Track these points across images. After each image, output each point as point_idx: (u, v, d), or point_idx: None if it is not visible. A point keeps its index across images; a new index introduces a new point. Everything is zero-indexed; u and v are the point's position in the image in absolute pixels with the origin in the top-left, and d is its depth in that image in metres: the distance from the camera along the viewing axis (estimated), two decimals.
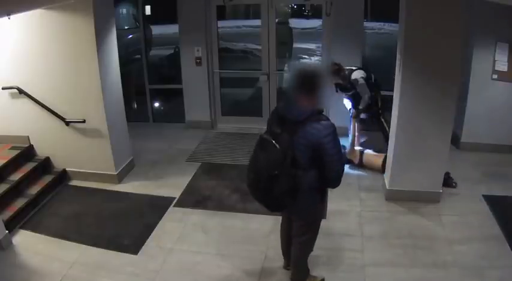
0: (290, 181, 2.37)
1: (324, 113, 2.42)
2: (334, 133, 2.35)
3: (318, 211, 2.74)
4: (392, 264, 3.27)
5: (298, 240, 2.79)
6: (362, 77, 4.61)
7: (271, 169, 2.36)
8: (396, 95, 3.91)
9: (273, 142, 2.36)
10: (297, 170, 2.38)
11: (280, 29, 6.08)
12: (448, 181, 4.27)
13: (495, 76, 4.84)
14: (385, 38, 5.02)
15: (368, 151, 4.95)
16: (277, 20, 5.83)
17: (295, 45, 7.35)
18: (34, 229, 3.81)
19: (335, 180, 2.50)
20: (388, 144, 4.87)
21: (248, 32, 7.68)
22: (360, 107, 4.72)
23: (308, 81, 2.34)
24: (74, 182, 4.64)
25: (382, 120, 4.93)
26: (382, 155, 4.67)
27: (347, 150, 4.94)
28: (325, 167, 2.40)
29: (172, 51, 6.97)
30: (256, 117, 6.23)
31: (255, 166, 2.48)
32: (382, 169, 4.61)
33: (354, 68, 4.76)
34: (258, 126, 6.16)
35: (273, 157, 2.35)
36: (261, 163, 2.43)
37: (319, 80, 2.36)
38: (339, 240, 3.59)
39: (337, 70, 4.64)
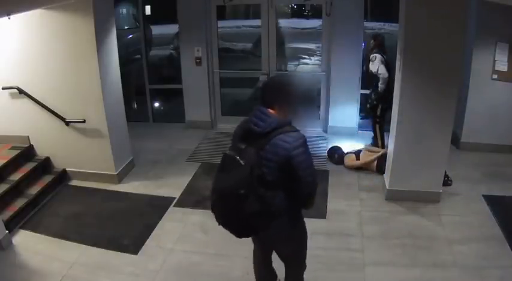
0: (260, 201, 2.15)
1: (293, 125, 2.22)
2: (305, 145, 2.16)
3: (299, 232, 2.44)
4: (392, 264, 3.27)
5: (289, 272, 2.59)
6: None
7: (236, 187, 2.11)
8: (396, 95, 3.91)
9: (237, 158, 2.14)
10: (266, 191, 2.16)
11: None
12: (444, 180, 4.27)
13: (495, 76, 4.84)
14: (385, 38, 5.02)
15: (366, 148, 4.95)
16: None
17: (296, 45, 7.34)
18: (34, 229, 3.81)
19: (309, 199, 2.26)
20: (377, 145, 4.93)
21: (248, 32, 7.66)
22: (380, 83, 4.70)
23: (276, 90, 2.23)
24: (74, 182, 4.64)
25: (377, 126, 4.97)
26: (378, 153, 4.67)
27: (347, 154, 4.93)
28: (297, 185, 2.17)
29: (172, 51, 6.98)
30: None
31: (219, 186, 2.23)
32: (376, 169, 4.62)
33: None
34: None
35: (238, 175, 2.12)
36: (226, 182, 2.18)
37: (287, 89, 2.26)
38: (339, 240, 3.59)
39: (382, 40, 4.77)
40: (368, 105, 5.04)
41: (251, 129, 2.18)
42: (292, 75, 2.42)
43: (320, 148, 5.42)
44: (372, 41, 4.86)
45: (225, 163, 2.22)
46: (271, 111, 2.18)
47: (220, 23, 6.12)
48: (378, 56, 4.66)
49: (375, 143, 5.11)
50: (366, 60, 4.99)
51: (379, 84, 4.69)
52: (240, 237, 2.37)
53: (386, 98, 4.66)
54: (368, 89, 5.13)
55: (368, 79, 5.02)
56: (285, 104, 2.20)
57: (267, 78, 2.72)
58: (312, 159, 2.22)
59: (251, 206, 2.14)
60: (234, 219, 2.24)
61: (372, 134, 5.21)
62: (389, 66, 4.61)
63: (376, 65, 4.65)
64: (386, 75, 4.61)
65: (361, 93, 5.64)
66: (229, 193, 2.15)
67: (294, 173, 2.13)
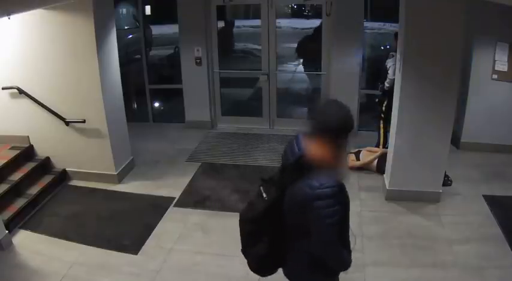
0: (269, 245, 1.86)
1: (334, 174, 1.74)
2: (337, 197, 1.67)
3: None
4: (392, 264, 3.27)
5: None
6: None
7: (250, 221, 1.88)
8: (396, 95, 3.91)
9: (261, 188, 1.86)
10: (281, 235, 1.86)
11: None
12: (443, 180, 4.27)
13: (495, 76, 4.84)
14: (385, 38, 5.02)
15: (366, 149, 4.95)
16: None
17: (296, 45, 7.32)
18: (34, 229, 3.81)
19: (332, 260, 1.82)
20: (381, 145, 4.90)
21: (249, 32, 7.66)
22: (386, 82, 4.68)
23: (330, 119, 1.71)
24: (74, 182, 4.64)
25: (381, 124, 4.95)
26: (377, 152, 4.67)
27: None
28: (311, 243, 1.77)
29: (172, 51, 6.97)
30: (256, 118, 6.24)
31: (242, 212, 1.96)
32: (376, 169, 4.62)
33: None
34: (258, 126, 6.19)
35: (256, 208, 1.85)
36: (246, 211, 1.93)
37: (345, 122, 1.72)
38: None
39: None
40: (376, 100, 5.03)
41: (285, 159, 1.82)
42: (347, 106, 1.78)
43: None
44: (394, 39, 4.76)
45: (258, 190, 1.91)
46: (309, 143, 1.74)
47: (220, 23, 6.11)
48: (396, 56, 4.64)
49: (377, 141, 5.08)
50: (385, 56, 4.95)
51: (386, 83, 4.68)
52: (256, 273, 2.07)
53: (392, 94, 4.66)
54: (376, 86, 5.08)
55: (382, 73, 4.95)
56: (332, 141, 1.71)
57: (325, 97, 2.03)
58: (343, 220, 1.75)
59: (260, 247, 1.89)
60: (244, 252, 2.01)
61: (376, 136, 5.19)
62: None
63: (389, 64, 4.63)
64: (393, 77, 4.60)
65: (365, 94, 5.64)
66: (244, 223, 1.94)
67: (310, 228, 1.73)
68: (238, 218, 1.95)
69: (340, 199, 1.70)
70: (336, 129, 1.70)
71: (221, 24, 6.24)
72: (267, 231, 1.86)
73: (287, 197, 1.79)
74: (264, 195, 1.83)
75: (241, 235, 1.97)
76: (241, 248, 2.01)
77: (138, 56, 6.46)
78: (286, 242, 1.89)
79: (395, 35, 4.66)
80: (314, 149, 1.71)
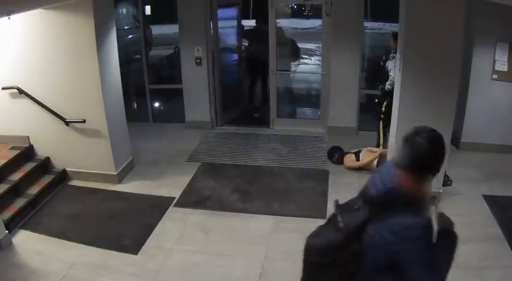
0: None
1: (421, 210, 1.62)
2: (423, 238, 1.54)
3: None
4: None
5: None
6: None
7: (322, 252, 1.66)
8: (396, 95, 3.91)
9: (338, 217, 1.68)
10: (358, 272, 1.64)
11: None
12: (443, 180, 4.27)
13: (495, 76, 4.84)
14: (385, 38, 5.02)
15: (366, 149, 4.95)
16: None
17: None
18: (34, 229, 3.81)
19: None
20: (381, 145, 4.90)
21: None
22: (391, 75, 4.66)
23: (428, 151, 1.58)
24: (74, 182, 4.64)
25: (381, 125, 4.95)
26: (377, 152, 4.67)
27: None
28: None
29: (172, 51, 6.97)
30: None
31: (309, 239, 1.77)
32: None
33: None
34: (258, 126, 6.19)
35: (330, 238, 1.65)
36: (316, 239, 1.73)
37: (441, 153, 1.62)
38: None
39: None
40: (376, 100, 5.03)
41: (368, 190, 1.70)
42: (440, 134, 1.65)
43: (320, 148, 5.42)
44: (392, 40, 4.70)
45: (331, 216, 1.76)
46: (400, 175, 1.62)
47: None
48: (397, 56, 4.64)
49: (376, 141, 5.08)
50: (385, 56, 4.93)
51: (387, 84, 4.68)
52: None
53: (392, 94, 4.66)
54: (376, 86, 5.09)
55: (381, 74, 4.96)
56: (426, 174, 1.61)
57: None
58: (435, 263, 1.57)
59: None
60: None
61: (376, 136, 5.19)
62: None
63: (390, 65, 4.63)
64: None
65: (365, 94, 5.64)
66: (313, 253, 1.72)
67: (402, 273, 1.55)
68: (305, 247, 1.75)
69: (426, 239, 1.57)
70: (432, 162, 1.59)
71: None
72: (340, 264, 1.64)
73: (373, 231, 1.61)
74: (342, 224, 1.64)
75: (305, 266, 1.76)
76: (301, 276, 1.79)
77: (138, 56, 6.46)
78: (357, 276, 1.68)
79: (393, 35, 4.68)
80: (406, 182, 1.60)
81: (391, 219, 1.55)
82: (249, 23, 7.72)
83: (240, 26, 7.59)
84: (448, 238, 1.67)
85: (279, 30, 6.10)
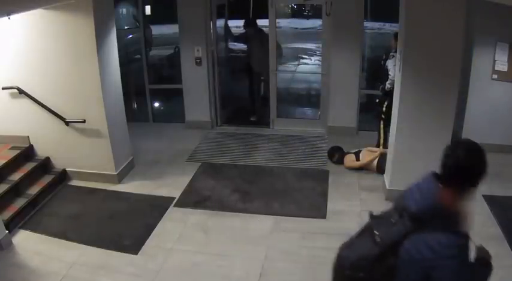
0: None
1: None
2: (462, 256, 1.53)
3: None
4: None
5: None
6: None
7: (356, 265, 1.63)
8: (396, 95, 3.91)
9: (374, 230, 1.63)
10: None
11: None
12: None
13: (495, 76, 4.84)
14: (385, 38, 5.03)
15: (366, 149, 4.94)
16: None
17: (296, 45, 7.35)
18: (34, 229, 3.81)
19: None
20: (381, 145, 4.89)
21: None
22: (388, 83, 4.67)
23: (470, 171, 1.56)
24: (74, 182, 4.64)
25: (381, 124, 4.94)
26: (377, 152, 4.67)
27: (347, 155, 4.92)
28: None
29: (172, 51, 6.98)
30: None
31: (341, 251, 1.75)
32: (377, 169, 4.62)
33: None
34: (258, 126, 6.19)
35: (365, 251, 1.62)
36: (349, 251, 1.71)
37: (483, 174, 1.58)
38: (339, 240, 3.56)
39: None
40: (377, 100, 5.03)
41: (404, 204, 1.65)
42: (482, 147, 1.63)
43: (320, 148, 5.42)
44: (394, 39, 4.70)
45: (365, 228, 1.73)
46: (440, 190, 1.59)
47: (220, 23, 6.13)
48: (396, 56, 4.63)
49: (377, 141, 5.08)
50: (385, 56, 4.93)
51: (387, 84, 4.68)
52: None
53: (392, 94, 4.66)
54: (376, 86, 5.09)
55: (382, 74, 4.96)
56: (467, 189, 1.61)
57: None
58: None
59: None
60: None
61: (376, 136, 5.19)
62: None
63: (390, 65, 4.63)
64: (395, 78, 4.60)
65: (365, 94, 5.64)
66: (345, 266, 1.69)
67: None
68: (336, 257, 1.72)
69: (464, 257, 1.56)
70: (472, 175, 1.57)
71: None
72: (375, 278, 1.62)
73: (409, 246, 1.58)
74: (378, 238, 1.61)
75: (337, 277, 1.74)
76: None
77: (138, 56, 6.47)
78: None
79: (395, 35, 4.67)
80: (446, 197, 1.57)
81: (429, 234, 1.53)
82: (236, 24, 7.34)
83: (226, 27, 7.12)
84: (484, 266, 1.72)
85: (261, 31, 6.08)
